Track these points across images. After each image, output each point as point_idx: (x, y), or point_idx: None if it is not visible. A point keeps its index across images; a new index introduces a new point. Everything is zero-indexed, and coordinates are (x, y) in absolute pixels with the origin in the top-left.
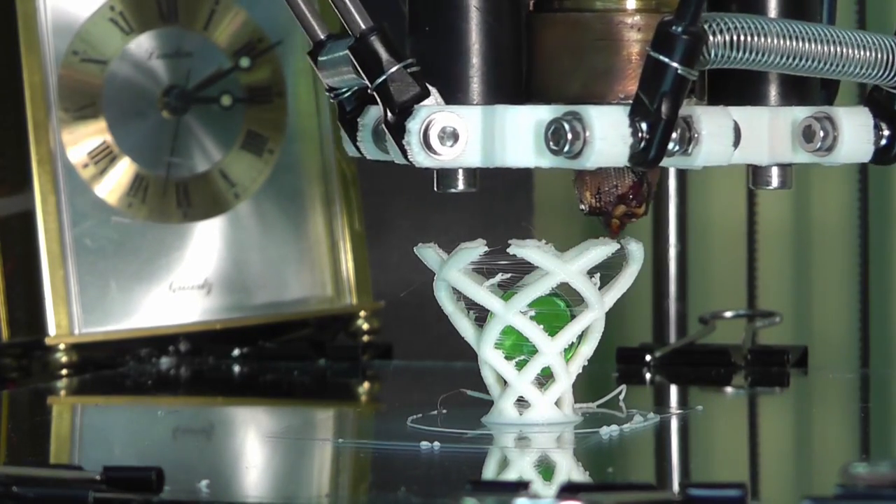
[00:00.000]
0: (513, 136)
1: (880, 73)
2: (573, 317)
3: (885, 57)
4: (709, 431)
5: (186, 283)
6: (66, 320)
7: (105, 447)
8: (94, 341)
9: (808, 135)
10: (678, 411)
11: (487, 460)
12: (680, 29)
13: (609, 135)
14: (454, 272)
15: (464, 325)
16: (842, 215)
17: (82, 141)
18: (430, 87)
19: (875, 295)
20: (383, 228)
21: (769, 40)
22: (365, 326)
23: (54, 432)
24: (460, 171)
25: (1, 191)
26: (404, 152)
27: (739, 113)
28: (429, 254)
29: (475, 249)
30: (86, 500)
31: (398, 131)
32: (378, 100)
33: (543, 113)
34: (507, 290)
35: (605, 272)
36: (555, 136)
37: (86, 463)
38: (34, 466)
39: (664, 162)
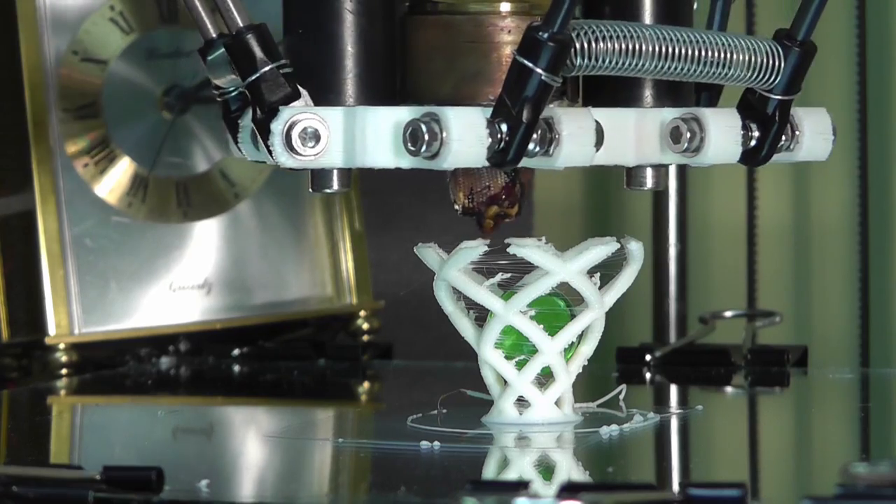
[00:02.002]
0: (373, 137)
1: (753, 77)
2: (573, 316)
3: (758, 60)
4: (709, 431)
5: (186, 283)
6: (65, 320)
7: (105, 447)
8: (94, 341)
9: (675, 136)
10: (678, 411)
11: (487, 460)
12: (546, 35)
13: (466, 136)
14: (454, 272)
15: (464, 325)
16: (842, 215)
17: (82, 141)
18: (301, 89)
19: (875, 295)
20: (383, 228)
21: (638, 46)
22: (365, 326)
23: (54, 432)
24: (334, 172)
25: (1, 191)
26: (270, 152)
27: (604, 114)
28: (429, 254)
29: (475, 249)
30: (86, 500)
31: (265, 131)
32: (249, 98)
33: (403, 114)
34: (507, 290)
35: (605, 272)
36: (412, 137)
37: (86, 463)
38: (34, 466)
39: (526, 162)
